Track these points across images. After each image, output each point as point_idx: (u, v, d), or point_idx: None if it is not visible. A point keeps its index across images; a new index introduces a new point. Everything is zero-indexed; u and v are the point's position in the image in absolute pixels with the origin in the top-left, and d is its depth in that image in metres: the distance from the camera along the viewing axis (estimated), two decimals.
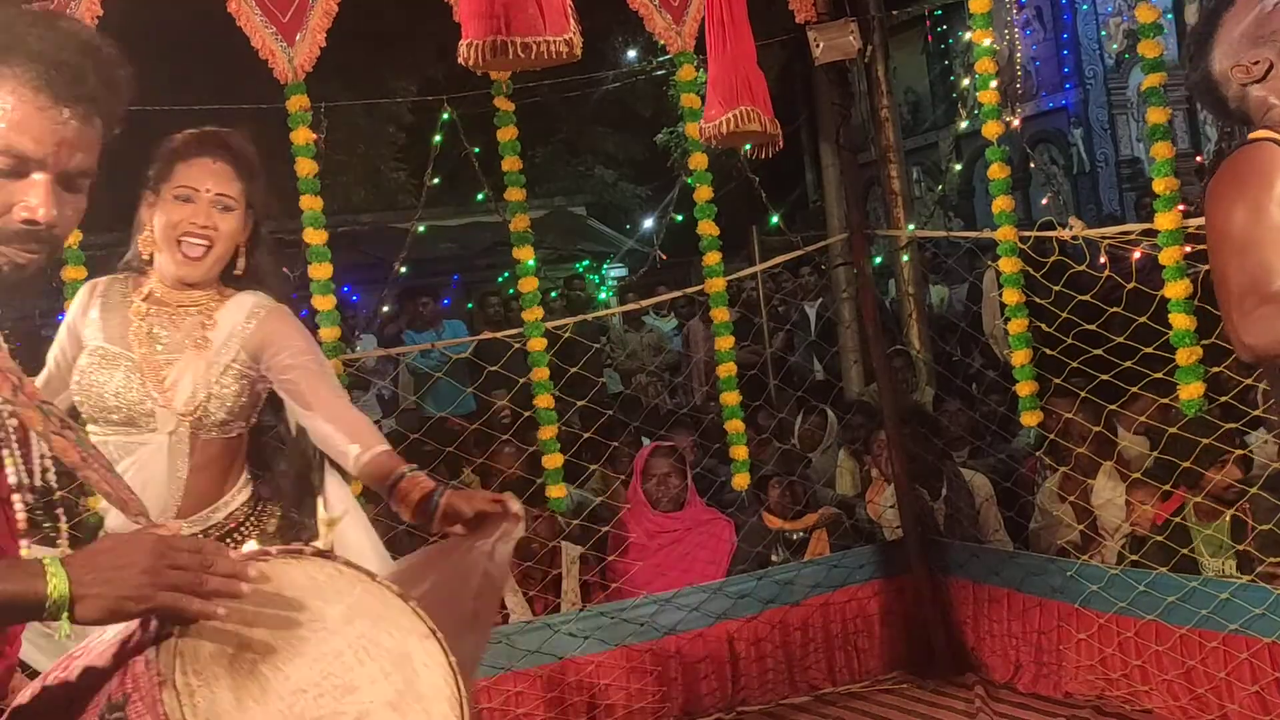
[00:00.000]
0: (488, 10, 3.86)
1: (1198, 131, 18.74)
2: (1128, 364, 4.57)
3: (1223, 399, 4.38)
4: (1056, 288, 4.83)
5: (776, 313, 9.40)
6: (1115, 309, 4.65)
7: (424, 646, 1.99)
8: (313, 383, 2.79)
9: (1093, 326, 4.69)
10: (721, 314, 5.23)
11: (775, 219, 6.42)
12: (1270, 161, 2.19)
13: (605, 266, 17.13)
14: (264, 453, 2.96)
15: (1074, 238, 4.78)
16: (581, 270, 16.34)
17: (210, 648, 1.76)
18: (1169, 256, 4.30)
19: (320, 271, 4.73)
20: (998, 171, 4.90)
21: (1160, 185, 4.34)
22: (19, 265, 1.72)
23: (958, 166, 17.32)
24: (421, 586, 2.34)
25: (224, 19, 4.62)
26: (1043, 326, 4.92)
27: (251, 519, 2.83)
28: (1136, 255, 4.78)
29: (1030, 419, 4.99)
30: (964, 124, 7.02)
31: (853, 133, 5.66)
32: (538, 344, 5.01)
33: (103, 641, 1.83)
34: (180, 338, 2.76)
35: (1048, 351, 4.87)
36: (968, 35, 5.09)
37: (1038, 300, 4.90)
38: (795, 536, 5.40)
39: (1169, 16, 16.95)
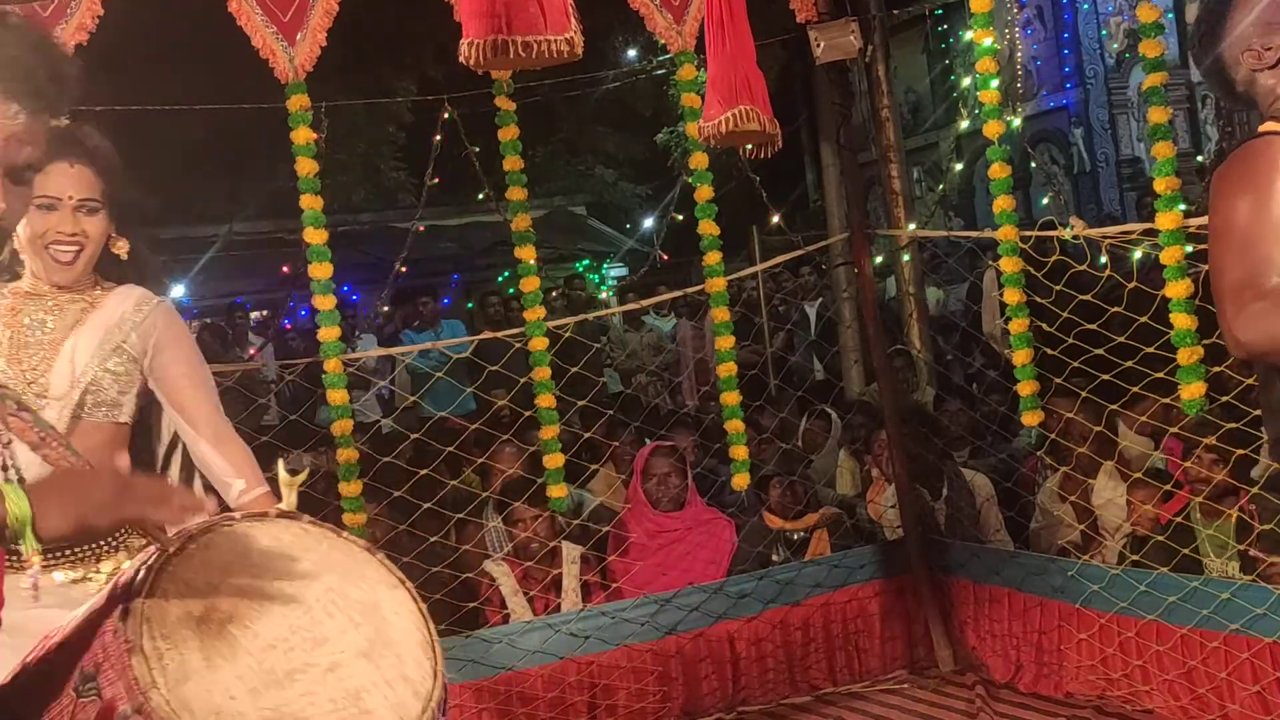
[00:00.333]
0: (489, 9, 3.85)
1: (1198, 131, 18.75)
2: (1129, 364, 4.57)
3: (1224, 399, 4.37)
4: (1057, 287, 4.83)
5: (777, 312, 9.40)
6: (1116, 309, 4.65)
7: (393, 595, 2.02)
8: (198, 399, 2.78)
9: (1093, 326, 4.69)
10: (722, 314, 5.22)
11: (776, 218, 6.42)
12: (1277, 156, 2.17)
13: (605, 266, 17.14)
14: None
15: (1075, 237, 4.78)
16: (581, 270, 16.35)
17: (177, 612, 1.78)
18: (1170, 256, 4.29)
19: (320, 271, 4.72)
20: (999, 171, 4.90)
21: (1161, 185, 4.33)
22: None
23: (958, 166, 17.30)
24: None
25: (224, 19, 4.62)
26: (1043, 326, 4.92)
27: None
28: (1138, 255, 4.77)
29: (1031, 419, 4.99)
30: (965, 124, 7.00)
31: (853, 132, 5.66)
32: (539, 343, 5.00)
33: (74, 617, 1.86)
34: (66, 323, 2.71)
35: (1048, 351, 4.87)
36: (968, 35, 5.08)
37: (1038, 300, 4.90)
38: (796, 536, 5.40)
39: (1170, 16, 16.95)
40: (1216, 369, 4.33)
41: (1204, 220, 4.20)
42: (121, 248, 2.79)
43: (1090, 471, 5.08)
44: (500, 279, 13.32)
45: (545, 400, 5.01)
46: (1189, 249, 4.30)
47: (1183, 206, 4.37)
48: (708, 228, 5.18)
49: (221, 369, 3.77)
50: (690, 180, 5.21)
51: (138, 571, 1.82)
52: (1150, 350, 4.49)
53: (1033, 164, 17.85)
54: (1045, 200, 18.25)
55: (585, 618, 4.94)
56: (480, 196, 5.83)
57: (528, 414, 5.29)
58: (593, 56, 4.24)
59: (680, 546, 5.37)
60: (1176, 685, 4.41)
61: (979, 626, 5.17)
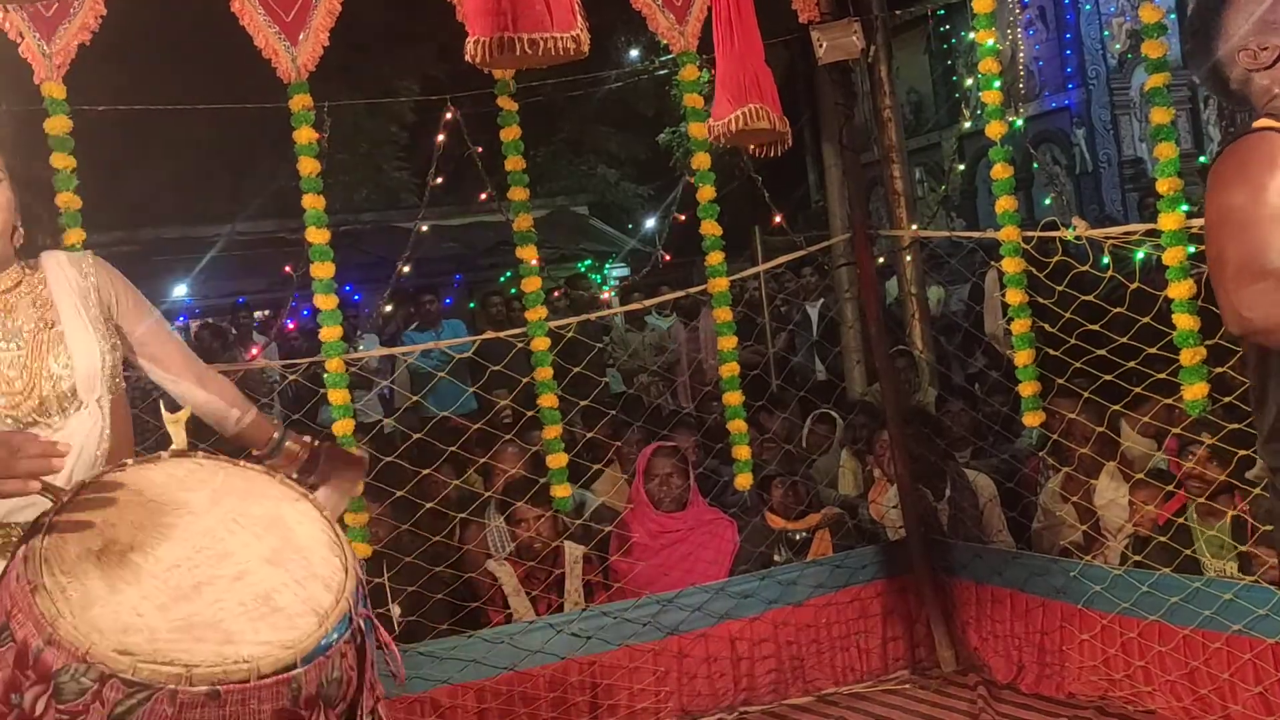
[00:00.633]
0: (494, 7, 3.84)
1: (1201, 132, 18.76)
2: (1131, 364, 4.57)
3: (1226, 399, 4.37)
4: (1059, 288, 4.83)
5: (779, 313, 9.39)
6: (1118, 309, 4.65)
7: (296, 508, 2.09)
8: (168, 345, 2.74)
9: (1095, 327, 4.69)
10: (724, 314, 5.22)
11: (778, 219, 6.41)
12: (1272, 150, 2.18)
13: (607, 266, 17.14)
14: None
15: (1077, 238, 4.77)
16: (583, 270, 16.35)
17: (75, 549, 1.85)
18: (1172, 257, 4.29)
19: (322, 271, 4.73)
20: (1001, 172, 4.90)
21: (1164, 185, 4.33)
22: None
23: (960, 167, 17.31)
24: None
25: (227, 19, 4.62)
26: (1045, 327, 4.92)
27: None
28: (1140, 256, 4.77)
29: (1033, 419, 4.99)
30: (967, 124, 7.00)
31: (855, 133, 5.65)
32: (541, 343, 5.01)
33: None
34: (30, 324, 2.55)
35: (1050, 352, 4.87)
36: (971, 35, 5.08)
37: (1040, 300, 4.90)
38: (798, 537, 5.40)
39: (1172, 17, 16.93)
40: (1219, 369, 4.32)
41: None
42: (19, 236, 2.61)
43: (1092, 472, 5.08)
44: (502, 279, 13.31)
45: (547, 400, 5.01)
46: (1191, 250, 4.30)
47: (1185, 207, 4.36)
48: (710, 228, 5.18)
49: (224, 369, 3.76)
50: (692, 180, 5.21)
51: (35, 522, 1.89)
52: (1152, 351, 4.49)
53: (1035, 164, 17.86)
54: (1047, 201, 18.27)
55: (587, 618, 4.94)
56: (482, 196, 5.82)
57: (530, 414, 5.29)
58: (595, 56, 4.24)
59: (682, 547, 5.37)
60: (1179, 686, 4.41)
61: (981, 627, 5.17)
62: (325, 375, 4.70)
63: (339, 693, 1.89)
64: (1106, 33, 19.45)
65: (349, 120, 15.50)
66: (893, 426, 5.38)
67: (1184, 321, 4.29)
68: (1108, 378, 4.68)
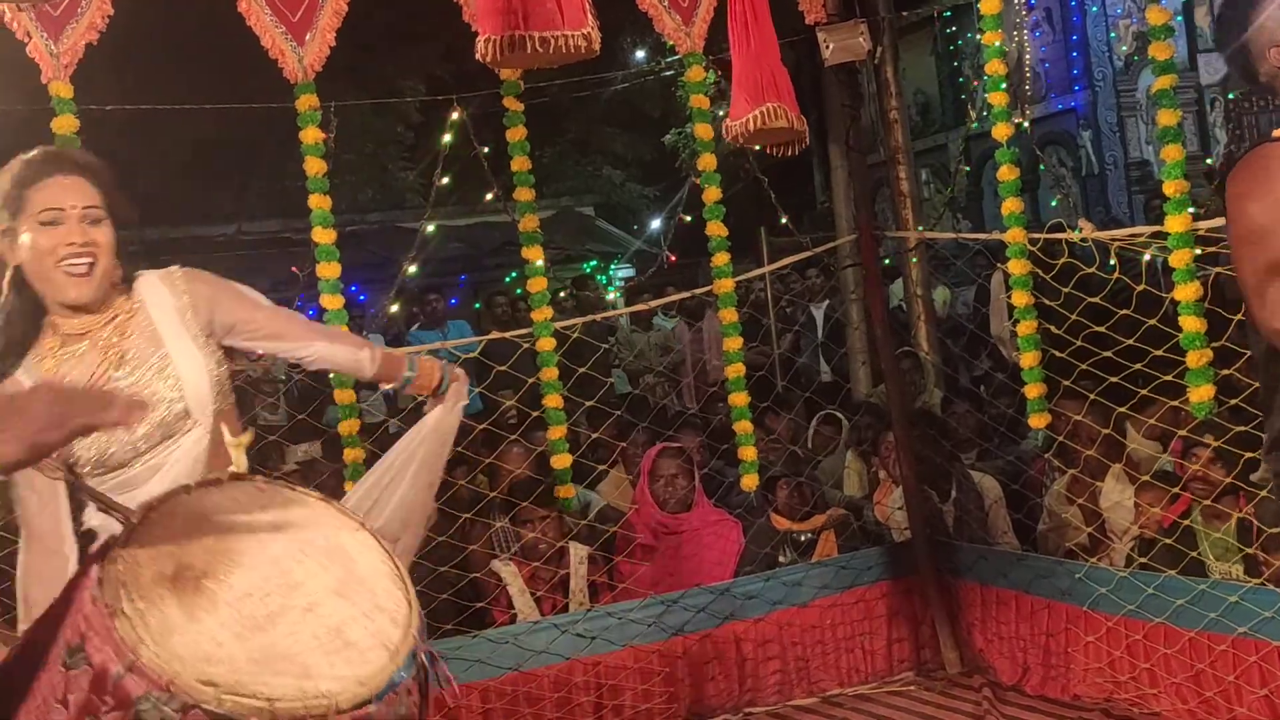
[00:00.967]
0: (505, 5, 3.84)
1: (1207, 134, 18.73)
2: (1137, 366, 4.56)
3: (1232, 402, 4.37)
4: (1066, 290, 4.82)
5: (784, 314, 9.39)
6: (1124, 311, 4.64)
7: (355, 538, 2.10)
8: (280, 320, 2.81)
9: (1102, 329, 4.68)
10: (730, 315, 5.22)
11: (784, 220, 6.41)
12: None
13: (613, 267, 17.15)
14: None
15: (1083, 240, 4.77)
16: (589, 270, 16.35)
17: (150, 574, 1.84)
18: (1179, 259, 4.28)
19: (328, 271, 4.73)
20: (1007, 173, 4.90)
21: (1171, 188, 4.33)
22: None
23: (966, 168, 17.30)
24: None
25: (233, 19, 4.63)
26: (1051, 329, 4.92)
27: None
28: (1146, 258, 4.77)
29: (1039, 421, 4.99)
30: (973, 126, 7.00)
31: (862, 134, 5.65)
32: (547, 344, 5.01)
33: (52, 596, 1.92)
34: (136, 351, 2.56)
35: (1056, 354, 4.87)
36: (977, 36, 5.07)
37: (1047, 302, 4.89)
38: (803, 538, 5.39)
39: (1179, 19, 16.93)
40: (1225, 372, 4.32)
41: (1212, 223, 4.21)
42: (119, 273, 2.62)
43: (1098, 474, 5.07)
44: (508, 279, 13.32)
45: (553, 400, 5.01)
46: (1198, 252, 4.29)
47: (1191, 209, 4.36)
48: (716, 229, 5.18)
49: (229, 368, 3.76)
50: (698, 181, 5.21)
51: (106, 543, 1.88)
52: (1158, 353, 4.49)
53: (1041, 166, 17.85)
54: (1053, 203, 18.27)
55: (592, 618, 4.93)
56: (488, 197, 5.82)
57: (535, 414, 5.30)
58: (601, 57, 4.24)
59: (687, 547, 5.37)
60: (1184, 688, 4.40)
61: (986, 628, 5.16)
62: (330, 375, 4.71)
63: None
64: (1113, 34, 19.42)
65: (355, 120, 15.52)
66: (898, 428, 5.38)
67: (1190, 324, 4.28)
68: (1113, 380, 4.68)
